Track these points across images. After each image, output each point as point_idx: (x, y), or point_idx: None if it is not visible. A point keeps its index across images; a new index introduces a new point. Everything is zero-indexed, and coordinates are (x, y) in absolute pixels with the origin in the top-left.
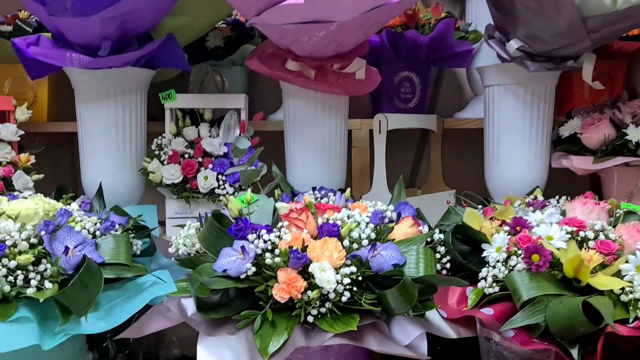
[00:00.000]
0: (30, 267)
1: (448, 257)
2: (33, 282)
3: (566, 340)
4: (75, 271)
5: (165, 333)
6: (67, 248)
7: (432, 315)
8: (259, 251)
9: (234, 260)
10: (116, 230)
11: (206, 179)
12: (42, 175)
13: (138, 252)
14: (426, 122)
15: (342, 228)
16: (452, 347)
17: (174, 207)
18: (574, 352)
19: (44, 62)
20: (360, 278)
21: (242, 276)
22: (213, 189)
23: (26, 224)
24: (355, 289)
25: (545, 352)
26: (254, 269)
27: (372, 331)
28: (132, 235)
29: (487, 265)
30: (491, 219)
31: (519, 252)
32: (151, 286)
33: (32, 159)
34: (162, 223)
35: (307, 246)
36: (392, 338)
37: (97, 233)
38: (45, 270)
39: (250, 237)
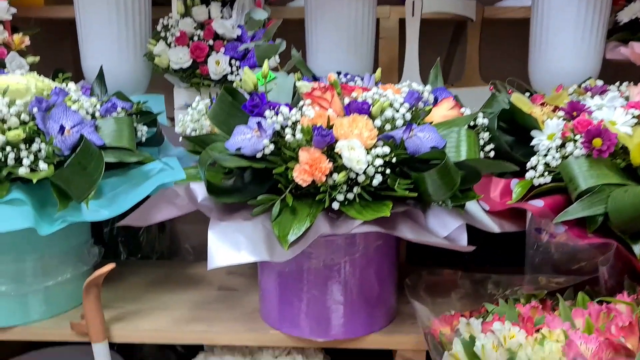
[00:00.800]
0: (22, 146)
1: (492, 145)
2: (26, 162)
3: (627, 235)
4: (72, 153)
5: (180, 241)
6: (62, 127)
7: (473, 207)
8: (278, 127)
9: (249, 138)
10: (118, 114)
11: (218, 64)
12: (37, 58)
13: (143, 140)
14: (464, 9)
15: (372, 106)
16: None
17: (183, 97)
18: (637, 248)
19: None
20: (394, 160)
21: (259, 155)
22: (225, 76)
23: (16, 99)
24: (388, 171)
25: (599, 249)
26: (272, 146)
27: (406, 220)
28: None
29: (536, 154)
30: (542, 104)
31: (577, 137)
32: (158, 173)
33: (27, 41)
34: (170, 120)
35: (332, 125)
36: (429, 229)
37: (97, 115)
38: (39, 150)
39: (268, 113)
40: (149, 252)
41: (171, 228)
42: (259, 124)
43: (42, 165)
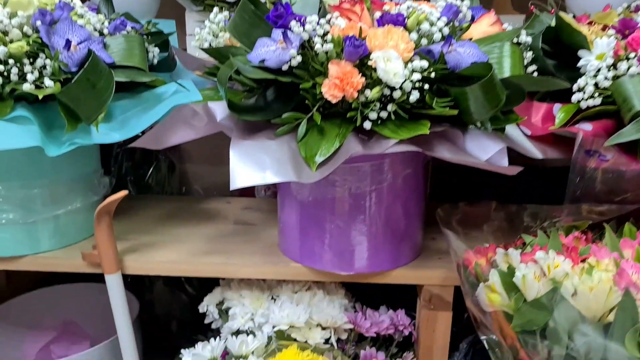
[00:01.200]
0: (26, 61)
1: (534, 67)
2: (30, 78)
3: None
4: (80, 69)
5: (190, 181)
6: (68, 42)
7: (513, 132)
8: (306, 36)
9: (273, 50)
10: (128, 33)
11: None
12: None
13: (155, 62)
14: None
15: (407, 19)
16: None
17: (196, 21)
18: None
19: None
20: (432, 75)
21: (285, 67)
22: None
23: (18, 11)
24: (426, 87)
25: None
26: (299, 58)
27: (444, 142)
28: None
29: (584, 75)
30: (590, 23)
31: (631, 55)
32: (172, 95)
33: None
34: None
35: (365, 37)
36: (468, 152)
37: (105, 32)
38: (45, 67)
39: (293, 24)
40: (159, 193)
41: (181, 168)
42: (284, 33)
43: (48, 82)
